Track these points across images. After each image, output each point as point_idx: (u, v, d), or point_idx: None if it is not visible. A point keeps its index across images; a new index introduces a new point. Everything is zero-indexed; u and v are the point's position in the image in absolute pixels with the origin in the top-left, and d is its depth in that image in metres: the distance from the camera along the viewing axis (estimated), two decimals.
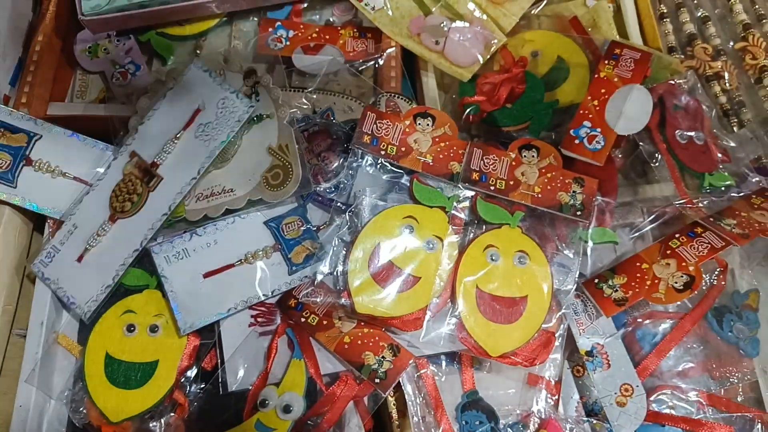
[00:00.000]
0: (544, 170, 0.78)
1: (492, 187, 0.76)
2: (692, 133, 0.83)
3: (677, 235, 0.79)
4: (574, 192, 0.76)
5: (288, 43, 0.88)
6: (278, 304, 0.74)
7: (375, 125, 0.78)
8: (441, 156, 0.77)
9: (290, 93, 0.83)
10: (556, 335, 0.73)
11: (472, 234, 0.76)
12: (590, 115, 0.80)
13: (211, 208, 0.74)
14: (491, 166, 0.77)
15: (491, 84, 0.83)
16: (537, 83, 0.84)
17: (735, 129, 0.89)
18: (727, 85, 0.91)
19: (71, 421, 0.73)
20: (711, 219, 0.79)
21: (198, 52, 0.90)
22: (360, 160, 0.77)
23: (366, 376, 0.69)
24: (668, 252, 0.78)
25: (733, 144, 0.85)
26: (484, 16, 0.85)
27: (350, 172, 0.77)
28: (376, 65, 0.87)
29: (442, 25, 0.84)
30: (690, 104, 0.84)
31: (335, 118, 0.81)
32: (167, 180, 0.73)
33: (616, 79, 0.81)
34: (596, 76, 0.81)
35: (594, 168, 0.79)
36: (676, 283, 0.75)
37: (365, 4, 0.85)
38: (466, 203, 0.76)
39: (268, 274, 0.74)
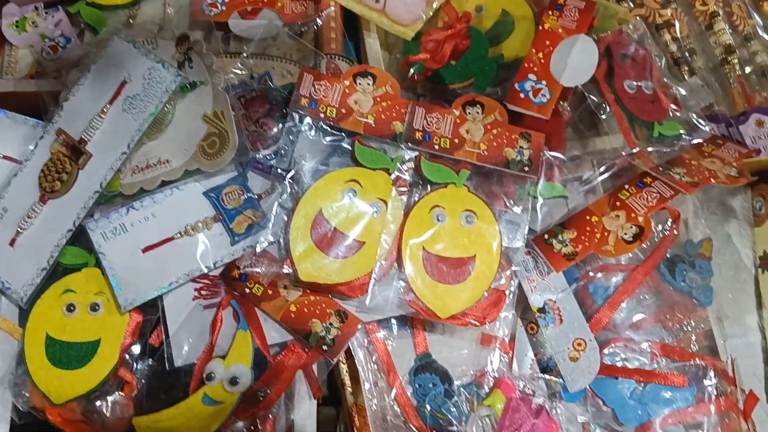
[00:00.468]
0: (489, 126, 0.76)
1: (436, 146, 0.74)
2: (641, 83, 0.81)
3: (626, 186, 0.78)
4: (520, 147, 0.75)
5: (224, 8, 0.84)
6: (222, 275, 0.72)
7: (313, 87, 0.75)
8: (383, 116, 0.75)
9: (226, 59, 0.80)
10: (507, 293, 0.72)
11: (417, 195, 0.74)
12: (535, 68, 0.77)
13: (147, 181, 0.72)
14: (435, 125, 0.75)
15: (435, 41, 0.80)
16: (481, 38, 0.82)
17: (686, 77, 0.88)
18: (678, 32, 0.90)
19: (16, 405, 0.71)
20: (660, 168, 0.78)
21: (131, 21, 0.86)
22: (300, 124, 0.75)
23: (314, 344, 0.68)
24: (617, 204, 0.76)
25: (683, 92, 0.84)
26: None
27: (290, 137, 0.75)
28: (316, 27, 0.85)
29: None
30: (638, 53, 0.82)
31: (273, 83, 0.79)
32: (96, 156, 0.70)
33: (560, 30, 0.79)
34: (540, 28, 0.79)
35: (541, 122, 0.77)
36: (625, 234, 0.74)
37: None
38: (411, 164, 0.74)
39: (210, 245, 0.72)
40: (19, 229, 0.71)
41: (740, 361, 0.80)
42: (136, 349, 0.71)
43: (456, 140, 0.75)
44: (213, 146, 0.72)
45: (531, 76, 0.77)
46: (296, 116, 0.75)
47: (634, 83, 0.81)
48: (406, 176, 0.74)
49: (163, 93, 0.71)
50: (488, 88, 0.81)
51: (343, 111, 0.75)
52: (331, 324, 0.68)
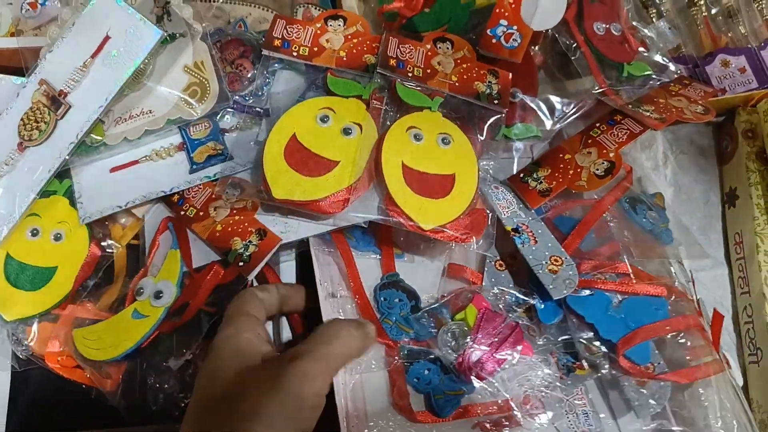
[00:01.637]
0: (459, 61, 0.78)
1: (410, 74, 0.76)
2: (610, 25, 0.83)
3: (598, 124, 0.80)
4: (489, 82, 0.77)
5: None
6: (163, 200, 0.74)
7: (285, 30, 0.77)
8: (355, 51, 0.77)
9: (202, 3, 0.81)
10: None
11: (391, 119, 0.75)
12: (506, 14, 0.79)
13: (131, 131, 0.73)
14: (408, 55, 0.77)
15: None
16: None
17: (654, 20, 0.89)
18: None
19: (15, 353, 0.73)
20: (629, 106, 0.80)
21: None
22: (276, 64, 0.77)
23: (231, 260, 0.69)
24: (589, 141, 0.79)
25: (651, 35, 0.85)
26: None
27: (266, 76, 0.77)
28: None
29: None
30: None
31: (248, 29, 0.80)
32: (76, 108, 0.71)
33: None
34: None
35: (514, 65, 0.79)
36: (597, 170, 0.76)
37: None
38: (384, 93, 0.75)
39: (170, 172, 0.74)
40: None
41: (709, 292, 0.83)
42: (90, 281, 0.74)
43: (429, 70, 0.77)
44: (194, 95, 0.74)
45: (502, 21, 0.79)
46: (269, 57, 0.76)
47: (603, 25, 0.82)
48: (380, 104, 0.75)
49: (143, 49, 0.71)
50: (462, 35, 0.82)
51: (315, 49, 0.77)
52: (250, 241, 0.69)
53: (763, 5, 0.89)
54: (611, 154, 0.76)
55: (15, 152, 0.72)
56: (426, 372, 0.67)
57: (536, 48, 0.83)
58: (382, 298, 0.70)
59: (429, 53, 0.78)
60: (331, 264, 0.73)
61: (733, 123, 0.87)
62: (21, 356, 0.73)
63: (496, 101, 0.76)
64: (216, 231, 0.70)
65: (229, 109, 0.77)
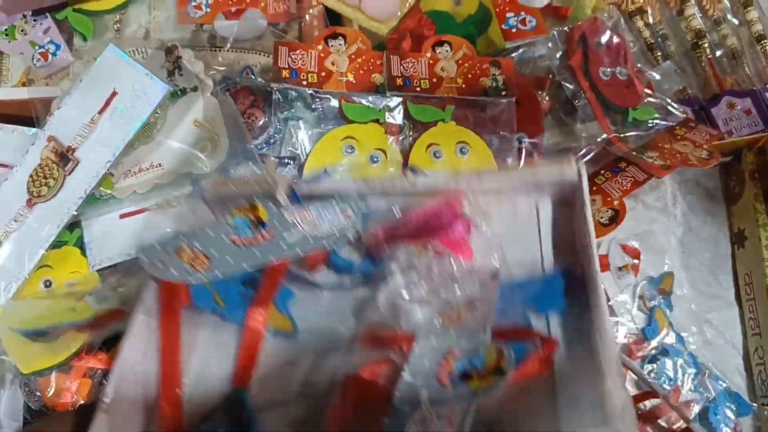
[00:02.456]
0: (460, 61, 0.80)
1: (418, 89, 0.78)
2: (615, 69, 0.83)
3: (602, 171, 0.80)
4: (493, 75, 0.79)
5: (209, 9, 0.85)
6: None
7: (290, 57, 0.77)
8: (361, 71, 0.78)
9: (210, 52, 0.82)
10: None
11: (411, 138, 0.76)
12: (507, 8, 0.84)
13: (140, 184, 0.73)
14: (411, 69, 0.79)
15: (398, 39, 0.82)
16: (442, 15, 0.85)
17: (659, 62, 0.89)
18: (650, 19, 0.91)
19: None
20: (634, 153, 0.80)
21: (117, 26, 0.87)
22: (286, 97, 0.77)
23: None
24: (594, 188, 0.79)
25: (657, 77, 0.85)
26: None
27: (278, 116, 0.77)
28: (302, 23, 0.86)
29: None
30: (612, 40, 0.84)
31: (256, 75, 0.80)
32: (83, 163, 0.72)
33: None
34: None
35: (521, 110, 0.79)
36: (601, 218, 0.76)
37: None
38: (399, 110, 0.77)
39: (182, 221, 0.72)
40: (4, 233, 0.72)
41: (719, 333, 0.83)
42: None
43: (434, 79, 0.78)
44: (205, 149, 0.74)
45: (509, 14, 0.83)
46: (280, 91, 0.76)
47: (609, 70, 0.83)
48: (397, 122, 0.77)
49: (149, 105, 0.72)
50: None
51: (323, 74, 0.77)
52: None
53: (767, 47, 0.89)
54: (615, 202, 0.76)
55: (24, 209, 0.72)
56: None
57: (543, 94, 0.83)
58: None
59: (431, 62, 0.79)
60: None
61: (740, 164, 0.87)
62: (33, 407, 0.72)
63: (503, 92, 0.78)
64: None
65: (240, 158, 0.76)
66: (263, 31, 0.85)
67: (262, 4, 0.86)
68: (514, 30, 0.81)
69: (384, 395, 0.50)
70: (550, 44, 0.81)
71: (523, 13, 0.82)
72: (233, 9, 0.85)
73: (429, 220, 0.57)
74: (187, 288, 0.58)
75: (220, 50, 0.82)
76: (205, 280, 0.57)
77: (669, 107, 0.85)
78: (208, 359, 0.59)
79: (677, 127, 0.84)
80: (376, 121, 0.76)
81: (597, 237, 0.76)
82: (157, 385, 0.57)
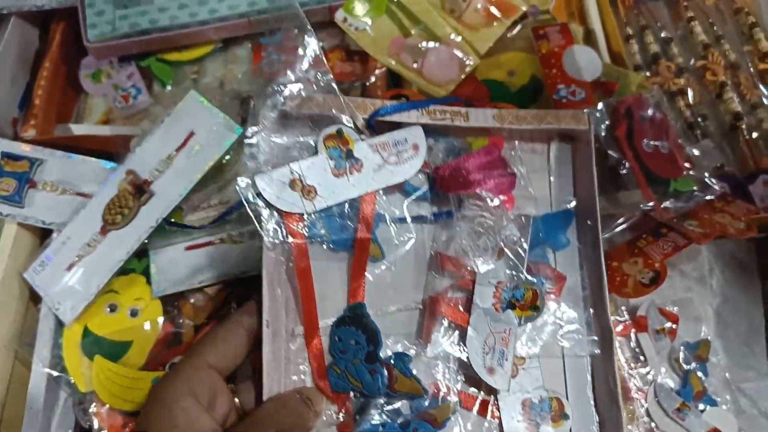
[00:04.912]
0: None
1: None
2: (658, 143, 0.86)
3: (644, 236, 0.81)
4: None
5: (281, 65, 0.90)
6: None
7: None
8: None
9: None
10: None
11: None
12: (557, 80, 0.85)
13: (206, 219, 0.76)
14: None
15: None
16: (497, 83, 0.88)
17: (699, 140, 0.92)
18: (690, 100, 0.94)
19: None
20: (675, 220, 0.81)
21: (194, 77, 0.92)
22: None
23: None
24: (636, 251, 0.80)
25: (697, 153, 0.88)
26: (460, 39, 0.88)
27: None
28: (367, 83, 0.90)
29: (420, 46, 0.87)
30: (656, 115, 0.86)
31: None
32: (158, 196, 0.75)
33: (556, 49, 0.88)
34: (539, 54, 0.88)
35: None
36: (643, 278, 0.77)
37: (349, 25, 0.88)
38: None
39: (243, 256, 0.76)
40: (78, 256, 0.74)
41: (753, 403, 0.82)
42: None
43: None
44: None
45: (560, 86, 0.85)
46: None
47: (652, 143, 0.85)
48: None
49: (222, 146, 0.76)
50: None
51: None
52: None
53: None
54: (657, 264, 0.78)
55: (98, 235, 0.75)
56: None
57: None
58: (336, 338, 0.61)
59: None
60: (287, 287, 0.64)
61: None
62: (84, 425, 0.73)
63: None
64: None
65: None
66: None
67: (330, 64, 0.90)
68: (564, 101, 0.84)
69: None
70: (597, 115, 0.84)
71: (573, 85, 0.85)
72: None
73: (482, 166, 0.65)
74: (301, 218, 0.62)
75: None
76: (315, 209, 0.61)
77: (708, 182, 0.87)
78: (325, 284, 0.64)
79: (716, 201, 0.85)
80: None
81: (637, 296, 0.77)
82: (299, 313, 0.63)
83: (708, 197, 0.85)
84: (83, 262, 0.74)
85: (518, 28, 0.95)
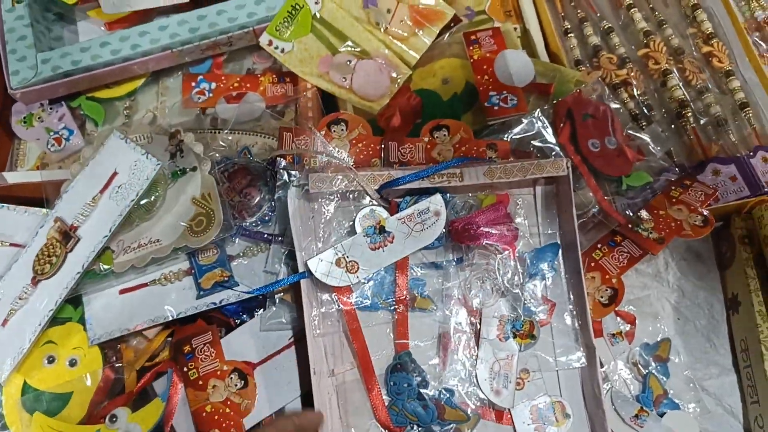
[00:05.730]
0: (457, 145, 0.79)
1: None
2: (604, 139, 0.82)
3: (599, 246, 0.79)
4: (490, 158, 0.78)
5: (211, 94, 0.87)
6: (174, 345, 0.74)
7: (294, 144, 0.78)
8: (361, 156, 0.79)
9: (210, 135, 0.84)
10: None
11: None
12: (489, 87, 0.83)
13: (138, 259, 0.73)
14: (409, 155, 0.79)
15: (389, 116, 0.83)
16: (429, 93, 0.86)
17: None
18: (634, 91, 0.91)
19: None
20: (629, 225, 0.78)
21: (127, 112, 0.90)
22: (289, 181, 0.76)
23: None
24: (592, 264, 0.77)
25: (647, 138, 0.84)
26: (389, 53, 0.85)
27: (276, 197, 0.77)
28: (297, 105, 0.87)
29: (348, 62, 0.84)
30: (600, 109, 0.83)
31: (253, 156, 0.81)
32: (84, 240, 0.72)
33: (488, 55, 0.85)
34: (472, 60, 0.85)
35: None
36: (601, 297, 0.75)
37: (275, 48, 0.85)
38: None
39: (177, 297, 0.74)
40: (11, 310, 0.72)
41: (718, 401, 0.79)
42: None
43: (431, 164, 0.77)
44: (200, 225, 0.74)
45: (491, 93, 0.83)
46: (284, 174, 0.76)
47: (598, 141, 0.82)
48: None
49: (144, 181, 0.73)
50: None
51: (326, 160, 0.77)
52: None
53: (750, 114, 0.88)
54: (614, 281, 0.75)
55: (29, 287, 0.72)
56: None
57: None
58: (392, 383, 0.70)
59: (428, 146, 0.79)
60: (330, 334, 0.72)
61: (730, 229, 0.85)
62: None
63: None
64: (204, 410, 0.69)
65: (240, 240, 0.77)
66: (262, 113, 0.87)
67: (261, 88, 0.88)
68: (496, 108, 0.81)
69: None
70: (535, 123, 0.81)
71: (505, 91, 0.82)
72: (234, 93, 0.87)
73: (490, 221, 0.73)
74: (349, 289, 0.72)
75: (220, 132, 0.84)
76: (358, 281, 0.71)
77: (662, 165, 0.84)
78: (373, 338, 0.72)
79: (673, 188, 0.82)
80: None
81: (597, 317, 0.76)
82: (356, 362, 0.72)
83: (663, 184, 0.83)
84: (17, 316, 0.72)
85: (451, 32, 0.92)
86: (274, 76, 0.88)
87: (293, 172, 0.74)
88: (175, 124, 0.87)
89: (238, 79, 0.88)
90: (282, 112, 0.88)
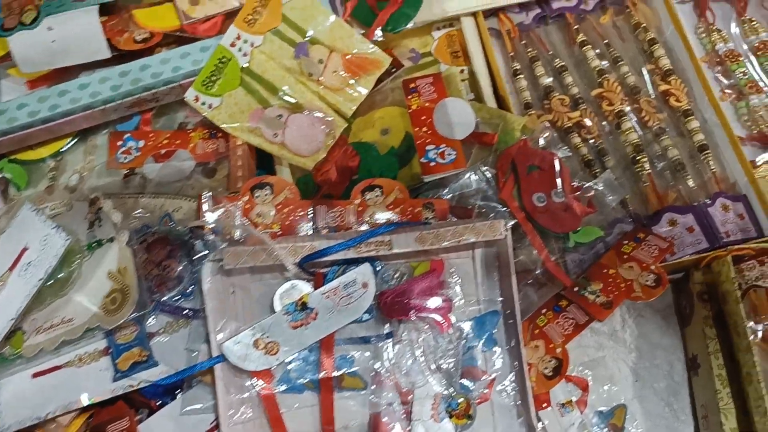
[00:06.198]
0: (392, 206, 0.74)
1: None
2: (551, 192, 0.76)
3: (544, 311, 0.74)
4: (426, 218, 0.73)
5: (138, 153, 0.82)
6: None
7: (213, 212, 0.72)
8: (287, 222, 0.73)
9: (134, 199, 0.78)
10: None
11: None
12: (428, 140, 0.77)
13: (48, 341, 0.68)
14: (339, 219, 0.73)
15: (325, 171, 0.79)
16: (366, 146, 0.81)
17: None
18: (588, 134, 0.85)
19: None
20: (576, 289, 0.73)
21: (52, 174, 0.85)
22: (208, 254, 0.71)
23: None
24: (536, 332, 0.72)
25: (600, 186, 0.78)
26: (323, 105, 0.80)
27: (193, 273, 0.72)
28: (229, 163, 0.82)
29: (278, 116, 0.79)
30: (546, 160, 0.78)
31: (176, 222, 0.76)
32: None
33: (427, 104, 0.79)
34: (410, 111, 0.79)
35: None
36: (545, 369, 0.70)
37: (202, 103, 0.80)
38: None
39: (94, 379, 0.69)
40: None
41: None
42: None
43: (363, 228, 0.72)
44: (114, 302, 0.69)
45: (429, 147, 0.77)
46: (205, 246, 0.71)
47: (543, 195, 0.76)
48: None
49: (53, 258, 0.68)
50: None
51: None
52: None
53: (710, 158, 0.82)
54: (558, 350, 0.70)
55: None
56: None
57: None
58: None
59: (360, 209, 0.74)
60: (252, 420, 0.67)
61: (689, 283, 0.79)
62: None
63: None
64: None
65: (161, 315, 0.72)
66: (191, 172, 0.82)
67: (192, 145, 0.83)
68: (432, 164, 0.75)
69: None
70: (476, 177, 0.76)
71: (443, 145, 0.76)
72: (163, 151, 0.83)
73: (422, 291, 0.67)
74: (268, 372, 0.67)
75: (143, 196, 0.79)
76: (279, 362, 0.66)
77: (614, 218, 0.79)
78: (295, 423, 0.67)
79: (625, 242, 0.77)
80: None
81: (541, 391, 0.70)
82: None
83: (615, 238, 0.77)
84: None
85: (395, 76, 0.86)
86: (206, 131, 0.84)
87: (211, 244, 0.69)
88: (101, 186, 0.82)
89: (168, 135, 0.83)
90: (214, 170, 0.83)
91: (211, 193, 0.72)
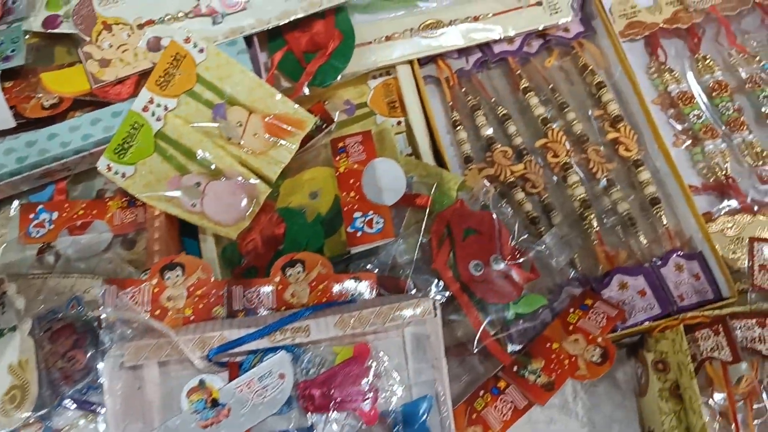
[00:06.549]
0: (314, 283, 0.68)
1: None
2: (489, 259, 0.71)
3: (482, 393, 0.68)
4: (351, 296, 0.67)
5: (52, 226, 0.77)
6: None
7: (119, 299, 0.66)
8: (201, 306, 0.67)
9: (42, 280, 0.72)
10: None
11: None
12: (355, 206, 0.71)
13: None
14: (257, 300, 0.68)
15: (250, 240, 0.73)
16: (293, 213, 0.75)
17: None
18: (533, 188, 0.80)
19: None
20: (515, 368, 0.67)
21: None
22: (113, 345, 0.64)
23: None
24: (474, 416, 0.66)
25: (548, 240, 0.73)
26: (245, 170, 0.74)
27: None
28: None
29: (197, 184, 0.73)
30: (485, 222, 0.72)
31: (84, 306, 0.70)
32: None
33: (355, 166, 0.73)
34: (337, 174, 0.74)
35: None
36: None
37: (115, 173, 0.74)
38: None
39: None
40: None
41: None
42: None
43: (284, 308, 0.67)
44: (13, 401, 0.63)
45: (356, 214, 0.71)
46: (108, 338, 0.64)
47: (481, 263, 0.70)
48: None
49: None
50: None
51: (158, 313, 0.66)
52: None
53: (662, 211, 0.76)
54: None
55: None
56: None
57: None
58: None
59: (280, 288, 0.68)
60: None
61: (643, 351, 0.73)
62: None
63: None
64: None
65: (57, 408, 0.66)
66: (109, 244, 0.76)
67: (109, 215, 0.77)
68: (359, 234, 0.70)
69: None
70: (404, 246, 0.70)
71: (371, 212, 0.71)
72: (79, 223, 0.77)
73: (345, 380, 0.62)
74: None
75: (52, 276, 0.73)
76: None
77: (560, 283, 0.73)
78: None
79: (571, 310, 0.71)
80: None
81: None
82: None
83: (561, 305, 0.72)
84: None
85: (328, 130, 0.81)
86: (124, 199, 0.78)
87: (117, 336, 0.63)
88: (11, 263, 0.76)
89: (83, 205, 0.78)
90: (133, 241, 0.78)
91: (107, 286, 0.66)
